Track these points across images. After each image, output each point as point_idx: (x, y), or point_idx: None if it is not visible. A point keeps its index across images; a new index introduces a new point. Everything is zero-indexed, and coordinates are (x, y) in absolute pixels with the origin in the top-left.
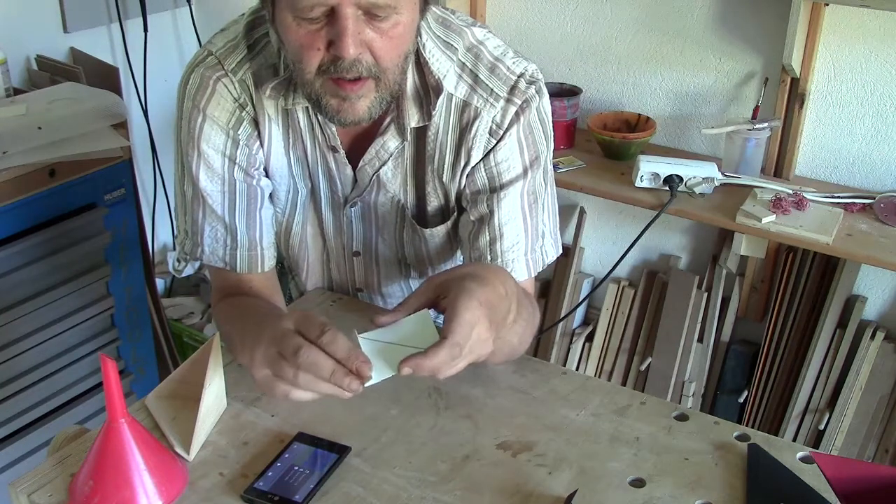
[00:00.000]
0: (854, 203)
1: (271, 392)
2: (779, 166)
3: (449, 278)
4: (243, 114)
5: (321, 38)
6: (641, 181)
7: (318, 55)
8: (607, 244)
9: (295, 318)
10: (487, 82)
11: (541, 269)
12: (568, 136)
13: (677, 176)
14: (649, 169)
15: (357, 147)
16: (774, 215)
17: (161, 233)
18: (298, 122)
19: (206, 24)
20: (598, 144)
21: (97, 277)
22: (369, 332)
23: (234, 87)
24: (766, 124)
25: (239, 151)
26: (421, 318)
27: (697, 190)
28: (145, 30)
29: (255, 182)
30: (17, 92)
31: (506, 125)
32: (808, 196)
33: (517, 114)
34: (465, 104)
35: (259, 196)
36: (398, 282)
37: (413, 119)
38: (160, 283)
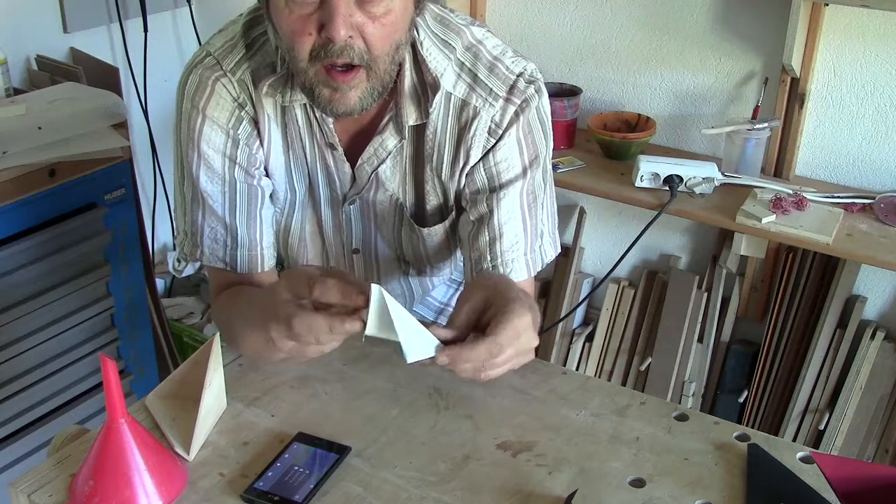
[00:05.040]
0: (854, 203)
1: (294, 360)
2: (779, 166)
3: (489, 294)
4: (242, 113)
5: (313, 22)
6: (641, 181)
7: (310, 40)
8: (607, 244)
9: (284, 283)
10: (486, 81)
11: (540, 269)
12: (568, 136)
13: (677, 176)
14: (649, 169)
15: (355, 145)
16: (774, 215)
17: (161, 233)
18: (297, 121)
19: (206, 24)
20: (598, 144)
21: (97, 277)
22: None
23: (234, 87)
24: (766, 124)
25: (239, 151)
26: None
27: (697, 190)
28: (145, 30)
29: (255, 182)
30: (17, 92)
31: (505, 125)
32: (808, 196)
33: (516, 113)
34: (464, 103)
35: (259, 196)
36: (398, 279)
37: (411, 117)
38: (160, 283)
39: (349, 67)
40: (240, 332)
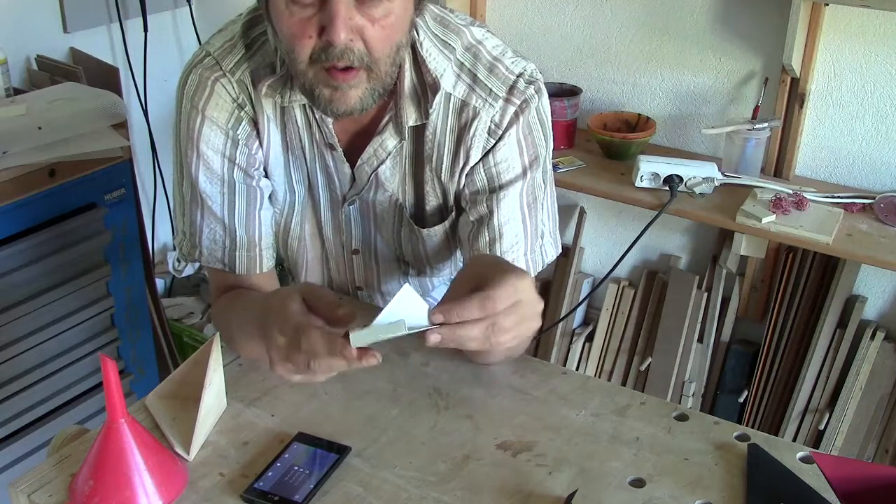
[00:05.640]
0: (854, 203)
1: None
2: (779, 166)
3: (483, 268)
4: (242, 113)
5: (313, 24)
6: (641, 181)
7: (310, 43)
8: (607, 244)
9: (279, 327)
10: (486, 82)
11: (540, 269)
12: (568, 136)
13: (677, 176)
14: (649, 169)
15: (355, 145)
16: (774, 215)
17: (161, 233)
18: (296, 121)
19: (206, 24)
20: (598, 144)
21: (97, 277)
22: (358, 328)
23: (233, 87)
24: (766, 124)
25: (238, 152)
26: (406, 293)
27: (697, 190)
28: (145, 30)
29: (254, 182)
30: (17, 92)
31: (505, 125)
32: (808, 196)
33: (516, 114)
34: (464, 104)
35: (258, 196)
36: (398, 279)
37: (411, 118)
38: (160, 283)
39: (349, 68)
40: (238, 337)
